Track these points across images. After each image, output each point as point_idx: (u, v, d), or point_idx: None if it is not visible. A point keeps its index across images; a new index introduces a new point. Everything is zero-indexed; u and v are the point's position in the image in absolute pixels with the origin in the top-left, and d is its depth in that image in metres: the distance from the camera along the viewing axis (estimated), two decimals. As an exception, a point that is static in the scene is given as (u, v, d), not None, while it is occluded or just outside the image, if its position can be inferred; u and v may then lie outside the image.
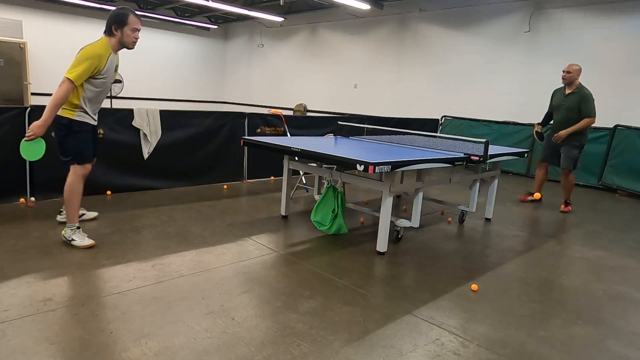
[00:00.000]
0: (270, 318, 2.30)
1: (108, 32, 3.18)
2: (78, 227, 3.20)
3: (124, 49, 3.24)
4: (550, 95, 5.40)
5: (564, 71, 5.10)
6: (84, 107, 3.19)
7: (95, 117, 3.34)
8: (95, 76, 3.12)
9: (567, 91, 5.12)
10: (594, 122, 4.99)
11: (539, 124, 5.46)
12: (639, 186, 6.32)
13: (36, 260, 2.83)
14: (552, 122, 5.38)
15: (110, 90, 11.55)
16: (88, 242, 3.15)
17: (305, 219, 4.12)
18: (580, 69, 5.07)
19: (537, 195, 5.51)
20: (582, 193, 6.44)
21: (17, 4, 10.57)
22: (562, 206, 5.27)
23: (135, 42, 3.23)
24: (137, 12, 3.20)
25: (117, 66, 3.34)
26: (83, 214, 3.65)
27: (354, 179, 3.53)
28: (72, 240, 3.14)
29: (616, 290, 2.99)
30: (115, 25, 3.15)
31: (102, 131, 4.47)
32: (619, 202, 6.00)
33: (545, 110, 5.48)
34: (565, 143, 5.14)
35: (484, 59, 8.50)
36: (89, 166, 3.30)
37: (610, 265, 3.48)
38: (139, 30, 3.22)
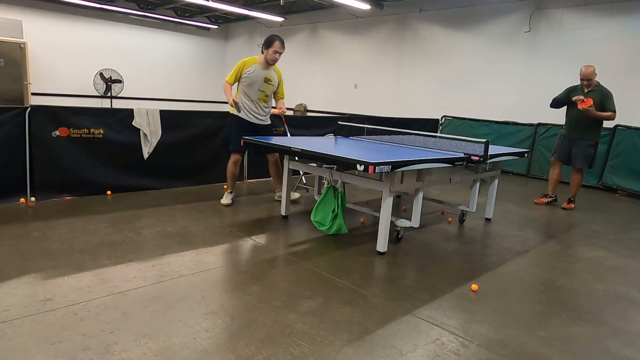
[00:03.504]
0: (270, 318, 2.30)
1: (262, 50, 4.30)
2: (231, 192, 4.52)
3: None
4: (566, 90, 5.29)
5: (583, 80, 5.04)
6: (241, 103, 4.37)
7: (255, 117, 4.46)
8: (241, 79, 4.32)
9: (587, 90, 5.07)
10: (615, 118, 5.01)
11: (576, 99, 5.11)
12: (639, 186, 6.32)
13: (36, 260, 2.83)
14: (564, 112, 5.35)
15: (111, 90, 11.62)
16: (226, 201, 4.46)
17: (305, 219, 4.12)
18: (595, 68, 5.04)
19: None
20: (582, 193, 6.43)
21: (17, 4, 10.57)
22: (565, 203, 5.30)
23: (272, 60, 4.29)
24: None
25: (266, 78, 4.33)
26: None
27: (354, 179, 3.53)
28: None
29: (616, 290, 2.99)
30: (264, 46, 4.27)
31: (102, 131, 4.48)
32: (619, 202, 6.00)
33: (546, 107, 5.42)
34: (581, 140, 5.13)
35: (484, 59, 8.50)
36: (236, 156, 4.48)
37: (611, 265, 3.48)
38: (278, 53, 4.26)
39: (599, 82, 5.08)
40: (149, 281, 2.63)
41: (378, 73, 10.36)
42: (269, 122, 4.61)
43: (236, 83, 4.39)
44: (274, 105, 4.61)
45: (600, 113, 4.97)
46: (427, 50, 9.41)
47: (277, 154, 4.61)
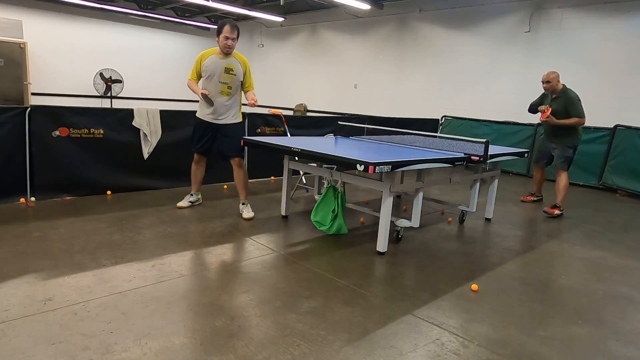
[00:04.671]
0: (270, 318, 2.30)
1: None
2: (192, 194, 4.38)
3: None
4: (540, 95, 5.33)
5: (543, 82, 5.03)
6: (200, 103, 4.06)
7: (211, 116, 4.04)
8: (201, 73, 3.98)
9: (553, 96, 5.04)
10: (584, 122, 4.92)
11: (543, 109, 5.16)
12: (639, 186, 6.32)
13: (36, 260, 2.83)
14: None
15: (111, 90, 11.60)
16: (181, 203, 4.32)
17: (305, 219, 4.12)
18: (558, 74, 4.99)
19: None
20: (582, 193, 6.44)
21: (17, 4, 10.57)
22: (549, 207, 4.98)
23: (225, 47, 3.86)
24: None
25: (227, 68, 3.92)
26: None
27: (354, 179, 3.53)
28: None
29: (616, 290, 2.99)
30: (216, 34, 3.88)
31: (102, 131, 4.48)
32: (619, 202, 6.00)
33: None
34: (559, 144, 5.10)
35: (484, 59, 8.50)
36: (195, 155, 4.23)
37: (611, 265, 3.48)
38: (229, 39, 3.81)
39: (565, 88, 4.99)
40: (149, 281, 2.63)
41: (378, 73, 10.36)
42: (237, 120, 4.10)
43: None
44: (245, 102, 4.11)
45: (563, 121, 4.90)
46: (427, 50, 9.41)
47: (240, 160, 4.10)
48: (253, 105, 3.91)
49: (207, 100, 3.89)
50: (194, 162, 4.28)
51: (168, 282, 2.65)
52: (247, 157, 5.72)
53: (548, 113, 4.95)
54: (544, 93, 5.29)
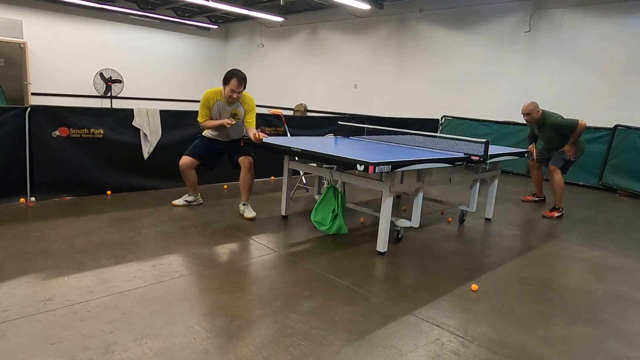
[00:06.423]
0: (270, 318, 2.30)
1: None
2: (189, 195, 4.40)
3: None
4: (529, 126, 5.35)
5: (523, 114, 5.01)
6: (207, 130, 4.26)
7: (217, 138, 4.23)
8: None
9: (539, 124, 5.04)
10: (585, 124, 4.81)
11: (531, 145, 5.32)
12: (639, 186, 6.32)
13: (36, 260, 2.83)
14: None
15: (111, 90, 11.58)
16: (176, 201, 4.38)
17: (305, 219, 4.12)
18: (537, 104, 4.96)
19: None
20: (582, 193, 6.44)
21: (17, 4, 10.57)
22: (547, 211, 4.92)
23: (230, 98, 3.92)
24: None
25: (232, 114, 4.06)
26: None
27: (354, 179, 3.53)
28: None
29: (616, 290, 2.99)
30: (223, 81, 3.92)
31: (102, 131, 4.48)
32: (619, 202, 6.00)
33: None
34: (560, 150, 5.05)
35: (484, 59, 8.50)
36: (182, 161, 4.20)
37: (610, 265, 3.48)
38: (235, 92, 3.88)
39: (543, 114, 4.94)
40: (149, 281, 2.64)
41: (378, 73, 10.36)
42: (238, 136, 4.21)
43: None
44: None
45: (572, 140, 4.87)
46: (427, 51, 9.41)
47: (251, 159, 4.10)
48: (257, 139, 3.76)
49: (233, 130, 4.06)
50: (181, 170, 4.20)
51: (168, 282, 2.65)
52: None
53: (535, 155, 5.18)
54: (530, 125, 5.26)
